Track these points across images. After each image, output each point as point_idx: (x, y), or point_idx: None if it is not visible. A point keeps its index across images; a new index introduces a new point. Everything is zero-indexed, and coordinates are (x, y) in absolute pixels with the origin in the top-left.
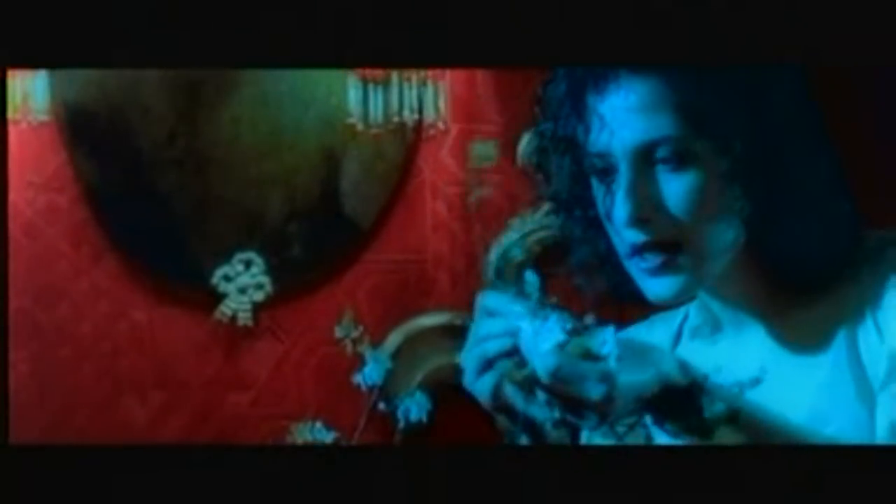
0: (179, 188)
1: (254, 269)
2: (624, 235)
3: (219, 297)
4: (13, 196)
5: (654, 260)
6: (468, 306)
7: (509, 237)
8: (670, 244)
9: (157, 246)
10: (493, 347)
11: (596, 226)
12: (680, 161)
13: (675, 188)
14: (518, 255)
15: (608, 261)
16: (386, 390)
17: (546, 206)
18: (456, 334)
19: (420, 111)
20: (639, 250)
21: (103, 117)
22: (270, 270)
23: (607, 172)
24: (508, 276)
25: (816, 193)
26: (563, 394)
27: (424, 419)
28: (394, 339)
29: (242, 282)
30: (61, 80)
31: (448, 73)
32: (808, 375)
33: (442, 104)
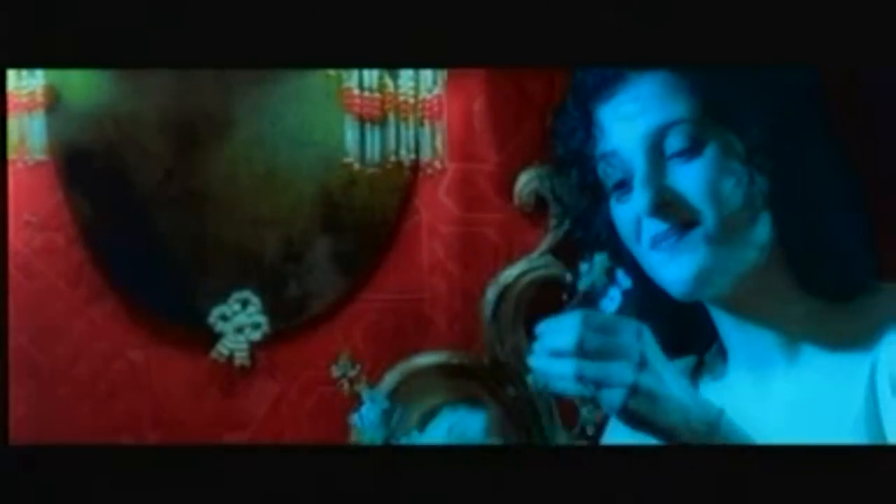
0: (176, 228)
1: (251, 309)
2: (645, 230)
3: (215, 337)
4: (10, 235)
5: (672, 242)
6: (465, 346)
7: (506, 276)
8: (687, 223)
9: (154, 285)
10: None
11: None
12: (693, 147)
13: (691, 174)
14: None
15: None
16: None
17: (542, 246)
18: (452, 374)
19: (417, 150)
20: (660, 240)
21: (100, 157)
22: (267, 310)
23: (623, 183)
24: (505, 317)
25: (832, 193)
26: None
27: None
28: (391, 379)
29: (239, 321)
30: (58, 119)
31: (445, 112)
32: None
33: (439, 143)
